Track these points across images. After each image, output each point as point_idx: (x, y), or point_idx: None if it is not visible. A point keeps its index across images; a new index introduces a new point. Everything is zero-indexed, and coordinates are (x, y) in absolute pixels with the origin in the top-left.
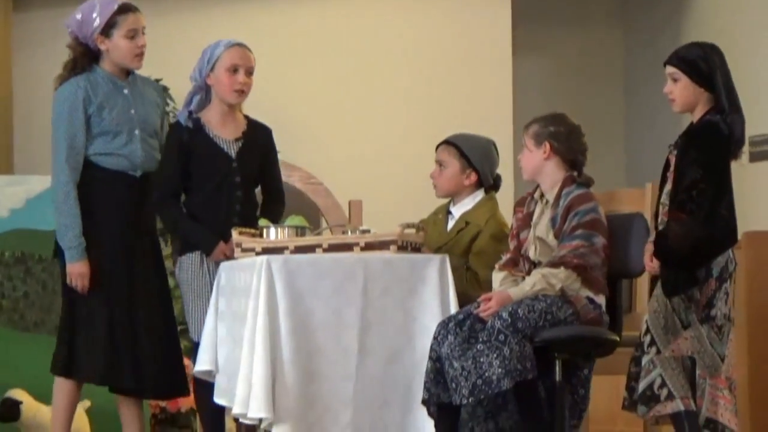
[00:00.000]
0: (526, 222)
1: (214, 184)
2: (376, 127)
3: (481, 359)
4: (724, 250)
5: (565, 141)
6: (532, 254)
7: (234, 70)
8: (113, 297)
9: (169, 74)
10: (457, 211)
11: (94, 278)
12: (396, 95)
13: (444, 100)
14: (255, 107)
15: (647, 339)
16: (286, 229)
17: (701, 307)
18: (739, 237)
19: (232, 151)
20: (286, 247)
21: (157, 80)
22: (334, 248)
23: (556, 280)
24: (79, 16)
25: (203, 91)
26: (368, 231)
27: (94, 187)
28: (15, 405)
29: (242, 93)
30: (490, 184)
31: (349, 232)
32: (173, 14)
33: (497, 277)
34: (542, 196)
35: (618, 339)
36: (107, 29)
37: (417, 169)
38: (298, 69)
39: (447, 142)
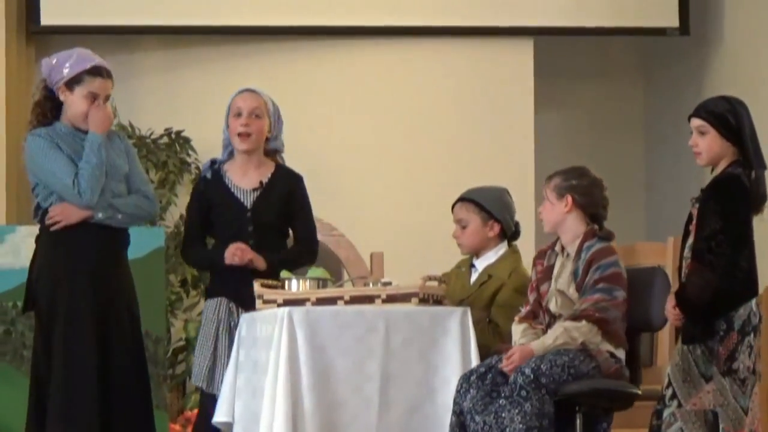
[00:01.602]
0: (546, 275)
1: (230, 233)
2: (398, 180)
3: (503, 414)
4: (744, 302)
5: (587, 194)
6: (552, 307)
7: (237, 114)
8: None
9: (190, 126)
10: (481, 264)
11: (62, 329)
12: (418, 148)
13: (466, 153)
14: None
15: (669, 392)
16: (308, 281)
17: (723, 360)
18: (761, 291)
19: (249, 200)
20: (308, 299)
21: (179, 132)
22: (355, 300)
23: (578, 333)
24: (54, 61)
25: (230, 145)
26: (390, 283)
27: (59, 236)
28: None
29: (246, 136)
30: (512, 231)
31: (371, 284)
32: (195, 66)
33: (517, 329)
34: (563, 249)
35: (638, 392)
36: (71, 83)
37: (439, 222)
38: (321, 120)
39: (462, 200)
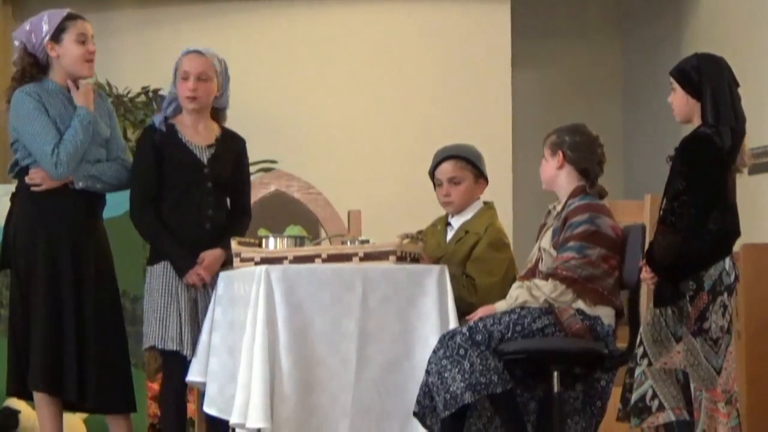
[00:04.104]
0: (540, 233)
1: (184, 188)
2: (375, 138)
3: (445, 374)
4: (711, 264)
5: (579, 150)
6: (541, 266)
7: (185, 77)
8: (61, 306)
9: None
10: (457, 221)
11: (42, 289)
12: (395, 106)
13: (443, 111)
14: (253, 116)
15: (640, 351)
16: (285, 239)
17: (693, 320)
18: (738, 249)
19: (204, 157)
20: (285, 257)
21: (156, 90)
22: (333, 258)
23: (539, 292)
24: (27, 27)
25: (176, 100)
26: (367, 241)
27: (38, 197)
28: (13, 414)
29: (193, 99)
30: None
31: (348, 243)
32: (170, 24)
33: (514, 287)
34: (555, 207)
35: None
36: (57, 34)
37: (416, 179)
38: (296, 78)
39: (453, 157)
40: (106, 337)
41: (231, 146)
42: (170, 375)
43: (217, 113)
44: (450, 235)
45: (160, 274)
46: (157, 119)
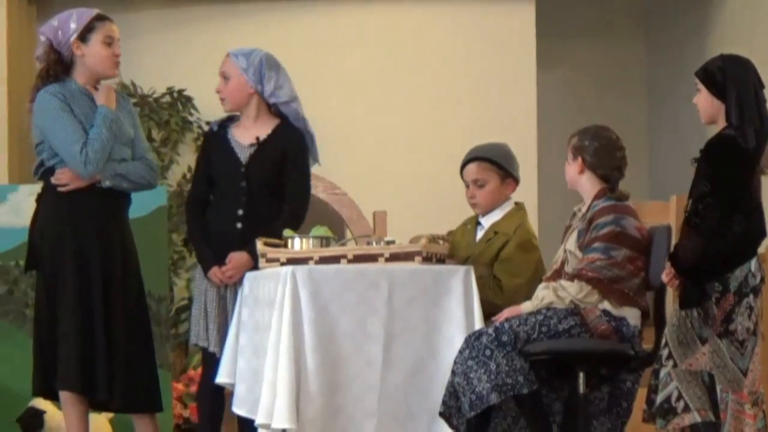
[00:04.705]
0: (565, 234)
1: (223, 187)
2: (401, 139)
3: (471, 375)
4: (736, 266)
5: (597, 156)
6: (567, 267)
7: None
8: (91, 305)
9: (193, 85)
10: (487, 221)
11: (72, 290)
12: (421, 107)
13: (468, 111)
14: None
15: (665, 352)
16: (311, 239)
17: (719, 321)
18: (763, 250)
19: (244, 156)
20: (311, 258)
21: (180, 90)
22: (358, 259)
23: (565, 293)
24: (55, 23)
25: None
26: (393, 242)
27: (65, 197)
28: (39, 415)
29: (221, 100)
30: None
31: (374, 243)
32: (195, 24)
33: (540, 288)
34: (581, 208)
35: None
36: (85, 34)
37: (441, 180)
38: (322, 79)
39: (477, 159)
40: (134, 336)
41: (281, 141)
42: (206, 374)
43: (277, 109)
44: (480, 234)
45: (201, 274)
46: (215, 121)
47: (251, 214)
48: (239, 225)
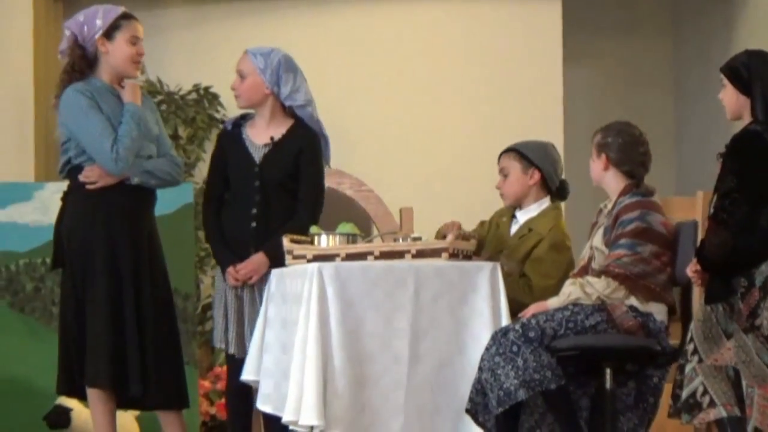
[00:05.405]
0: (592, 231)
1: (237, 187)
2: (427, 135)
3: (498, 371)
4: (762, 260)
5: (621, 152)
6: (593, 263)
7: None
8: (122, 302)
9: (219, 82)
10: (522, 216)
11: (102, 287)
12: (447, 103)
13: (495, 108)
14: None
15: (690, 347)
16: (337, 236)
17: (744, 317)
18: None
19: (258, 155)
20: (338, 255)
21: (207, 88)
22: (385, 255)
23: (591, 289)
24: (81, 18)
25: None
26: (419, 238)
27: (94, 195)
28: (65, 412)
29: (236, 97)
30: (556, 185)
31: (401, 240)
32: (221, 21)
33: (566, 284)
34: (607, 205)
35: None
36: (110, 31)
37: (468, 176)
38: (348, 77)
39: (506, 151)
40: (163, 333)
41: (295, 141)
42: (230, 375)
43: (292, 110)
44: (514, 228)
45: (221, 276)
46: (230, 120)
47: (265, 213)
48: (253, 224)
